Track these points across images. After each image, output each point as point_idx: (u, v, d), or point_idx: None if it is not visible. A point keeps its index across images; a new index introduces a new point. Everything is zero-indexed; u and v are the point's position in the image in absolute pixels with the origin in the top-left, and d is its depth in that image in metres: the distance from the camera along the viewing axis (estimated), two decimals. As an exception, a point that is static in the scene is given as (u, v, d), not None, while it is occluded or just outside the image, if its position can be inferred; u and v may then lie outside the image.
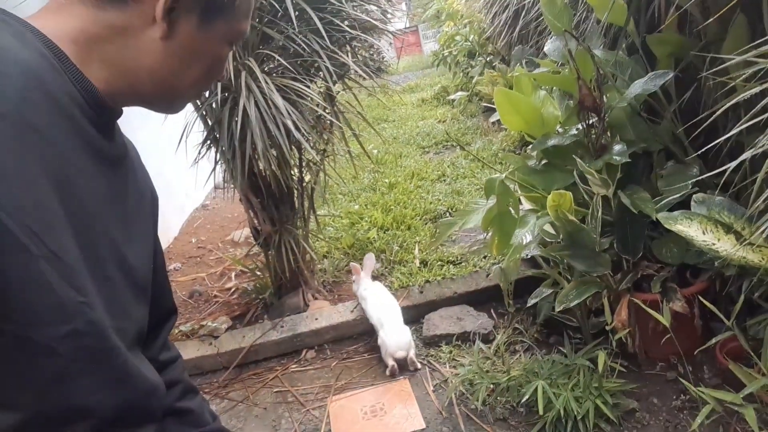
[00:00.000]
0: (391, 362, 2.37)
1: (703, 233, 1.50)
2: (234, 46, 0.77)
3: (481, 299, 2.69)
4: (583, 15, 2.51)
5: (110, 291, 0.65)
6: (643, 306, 1.81)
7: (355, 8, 2.48)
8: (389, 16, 2.85)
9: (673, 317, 1.82)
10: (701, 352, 1.93)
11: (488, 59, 5.84)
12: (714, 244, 1.51)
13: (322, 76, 2.42)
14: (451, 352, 2.43)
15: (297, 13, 2.24)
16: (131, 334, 0.70)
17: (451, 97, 6.87)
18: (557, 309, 2.00)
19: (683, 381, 1.85)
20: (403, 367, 2.39)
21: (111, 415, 0.63)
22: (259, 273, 3.09)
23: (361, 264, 2.79)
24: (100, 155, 0.66)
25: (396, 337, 2.39)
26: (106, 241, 0.66)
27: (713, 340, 1.77)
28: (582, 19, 2.51)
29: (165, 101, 0.75)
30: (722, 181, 1.46)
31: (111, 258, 0.66)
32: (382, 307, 2.54)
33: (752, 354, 1.62)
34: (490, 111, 5.36)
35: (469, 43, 6.32)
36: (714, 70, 1.53)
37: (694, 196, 1.74)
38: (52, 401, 0.58)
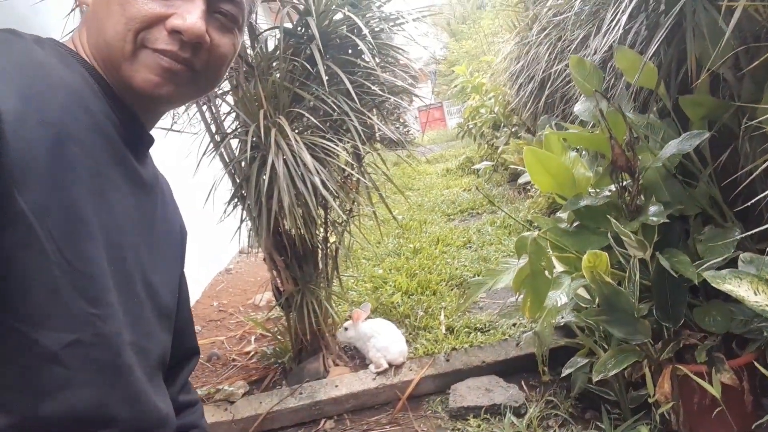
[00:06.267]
0: (385, 365, 2.64)
1: (755, 293, 1.40)
2: None
3: (511, 370, 2.56)
4: (612, 81, 2.51)
5: (137, 308, 0.65)
6: (692, 375, 1.68)
7: (385, 71, 2.53)
8: (417, 84, 2.91)
9: (721, 391, 1.68)
10: (753, 430, 1.77)
11: (513, 130, 5.89)
12: None
13: (350, 136, 2.43)
14: (479, 426, 2.27)
15: (327, 77, 2.29)
16: (154, 357, 0.69)
17: (476, 166, 6.91)
18: (594, 379, 1.86)
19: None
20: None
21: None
22: (279, 337, 3.00)
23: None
24: (132, 176, 0.67)
25: (401, 346, 2.70)
26: (135, 261, 0.65)
27: (767, 417, 1.62)
28: (611, 85, 2.50)
29: (115, 67, 0.65)
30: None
31: (138, 277, 0.66)
32: (376, 321, 2.84)
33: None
34: (516, 179, 5.36)
35: (494, 115, 6.41)
36: (750, 123, 1.48)
37: (741, 255, 1.65)
38: (52, 408, 0.56)
